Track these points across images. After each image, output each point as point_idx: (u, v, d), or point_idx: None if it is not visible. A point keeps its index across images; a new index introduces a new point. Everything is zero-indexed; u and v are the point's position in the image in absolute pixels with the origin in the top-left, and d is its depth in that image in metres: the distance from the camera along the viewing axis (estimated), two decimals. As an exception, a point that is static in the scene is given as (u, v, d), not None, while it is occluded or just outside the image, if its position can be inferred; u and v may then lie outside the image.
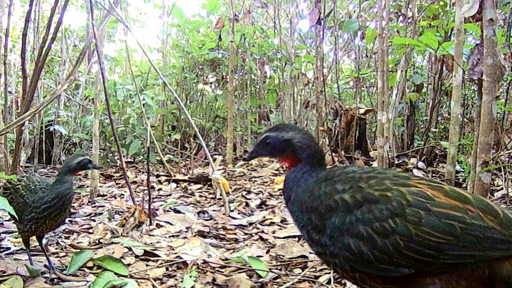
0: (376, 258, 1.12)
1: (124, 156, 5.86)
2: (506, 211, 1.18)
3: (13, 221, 2.18)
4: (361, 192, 1.18)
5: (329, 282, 1.88)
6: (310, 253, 2.18)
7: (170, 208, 3.45)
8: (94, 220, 3.05)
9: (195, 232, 2.70)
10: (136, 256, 2.24)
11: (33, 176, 2.10)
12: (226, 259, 2.25)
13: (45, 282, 1.90)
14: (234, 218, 3.23)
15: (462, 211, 1.11)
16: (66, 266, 2.06)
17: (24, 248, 2.12)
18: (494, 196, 3.44)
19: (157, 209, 3.29)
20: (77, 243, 2.49)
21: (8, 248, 2.35)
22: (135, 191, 3.84)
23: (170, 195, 4.15)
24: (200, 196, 4.09)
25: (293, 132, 1.36)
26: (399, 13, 5.45)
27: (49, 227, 2.00)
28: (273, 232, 2.78)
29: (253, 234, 2.76)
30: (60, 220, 2.01)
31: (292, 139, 1.34)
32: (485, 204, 1.16)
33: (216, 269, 2.09)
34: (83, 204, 3.68)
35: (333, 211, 1.19)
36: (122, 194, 4.09)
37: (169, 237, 2.64)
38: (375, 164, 4.42)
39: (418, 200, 1.13)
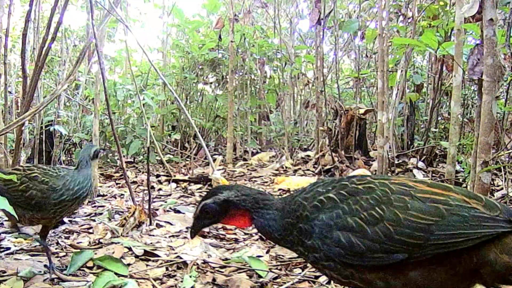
0: (368, 247, 1.13)
1: (124, 156, 5.86)
2: (493, 200, 1.23)
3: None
4: (345, 188, 1.22)
5: (329, 282, 1.88)
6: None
7: (170, 208, 3.45)
8: (94, 220, 3.05)
9: (195, 232, 2.70)
10: (136, 256, 2.23)
11: (40, 166, 2.17)
12: (226, 259, 2.25)
13: (45, 281, 1.90)
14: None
15: (444, 196, 1.16)
16: (66, 266, 2.06)
17: (25, 249, 2.12)
18: (494, 196, 3.44)
19: (157, 209, 3.29)
20: (77, 243, 2.49)
21: (8, 248, 2.35)
22: (135, 191, 3.84)
23: (170, 195, 4.14)
24: (200, 196, 4.09)
25: (227, 191, 1.36)
26: (399, 13, 5.45)
27: (70, 211, 2.16)
28: (273, 232, 2.78)
29: (253, 234, 2.76)
30: (80, 206, 2.22)
31: (229, 197, 1.34)
32: (467, 192, 1.22)
33: (216, 269, 2.09)
34: (83, 204, 3.68)
35: (320, 210, 1.21)
36: (122, 194, 4.09)
37: (169, 237, 2.64)
38: (375, 164, 4.42)
39: (401, 188, 1.18)
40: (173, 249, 2.38)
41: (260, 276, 1.99)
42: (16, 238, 2.55)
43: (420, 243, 1.11)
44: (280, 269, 2.09)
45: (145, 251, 2.28)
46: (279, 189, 4.31)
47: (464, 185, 3.73)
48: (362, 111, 5.42)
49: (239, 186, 1.40)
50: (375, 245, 1.12)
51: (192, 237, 1.45)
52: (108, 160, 6.38)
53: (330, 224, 1.17)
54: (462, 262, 1.14)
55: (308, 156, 6.15)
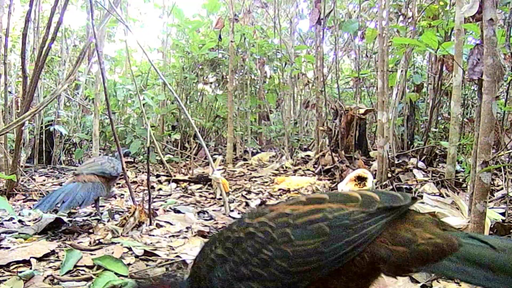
0: None
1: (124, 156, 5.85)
2: (366, 191, 1.23)
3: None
4: (228, 240, 1.23)
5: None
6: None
7: (170, 208, 3.45)
8: (94, 220, 3.05)
9: (195, 232, 2.70)
10: (136, 256, 2.23)
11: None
12: (226, 259, 2.24)
13: (45, 281, 1.90)
14: (234, 218, 3.23)
15: (321, 211, 1.16)
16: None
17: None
18: (494, 196, 3.44)
19: (157, 209, 3.29)
20: (78, 243, 2.49)
21: (8, 248, 2.35)
22: (135, 191, 3.84)
23: (170, 195, 4.15)
24: (200, 196, 4.09)
25: None
26: (399, 13, 5.45)
27: None
28: (273, 232, 2.77)
29: (253, 234, 2.76)
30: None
31: None
32: (343, 196, 1.22)
33: (216, 269, 2.09)
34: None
35: (214, 268, 1.22)
36: (122, 194, 4.09)
37: (169, 237, 2.64)
38: (375, 164, 4.42)
39: (280, 222, 1.18)
40: (173, 249, 2.38)
41: (260, 276, 1.99)
42: (16, 238, 2.55)
43: (315, 266, 1.12)
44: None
45: (145, 251, 2.28)
46: (279, 189, 4.32)
47: (464, 185, 3.73)
48: (362, 111, 5.41)
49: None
50: (276, 283, 1.14)
51: None
52: (108, 160, 6.37)
53: (228, 278, 1.19)
54: (356, 264, 1.14)
55: (308, 156, 6.15)
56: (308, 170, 5.32)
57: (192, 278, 1.33)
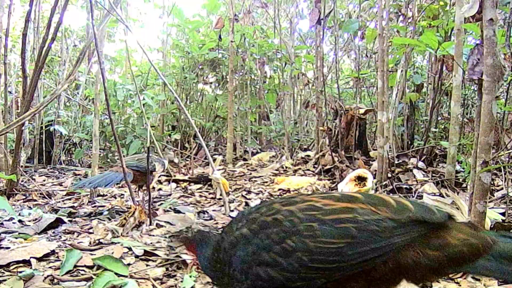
0: (287, 278, 1.14)
1: (124, 156, 5.85)
2: (400, 198, 1.23)
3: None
4: (255, 222, 1.23)
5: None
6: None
7: (170, 208, 3.45)
8: (94, 220, 3.05)
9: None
10: (136, 256, 2.23)
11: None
12: (226, 259, 2.24)
13: (45, 281, 1.90)
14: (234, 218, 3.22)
15: (352, 211, 1.15)
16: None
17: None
18: (494, 196, 3.44)
19: (157, 209, 3.29)
20: (78, 243, 2.49)
21: (8, 248, 2.35)
22: (135, 191, 3.83)
23: (170, 195, 4.15)
24: (200, 196, 4.09)
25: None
26: (399, 13, 5.45)
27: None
28: (273, 232, 2.77)
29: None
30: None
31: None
32: (375, 199, 1.21)
33: (216, 269, 2.09)
34: (83, 204, 3.68)
35: (236, 246, 1.23)
36: (122, 194, 4.09)
37: (169, 237, 2.64)
38: (375, 164, 4.41)
39: (309, 215, 1.17)
40: (173, 249, 2.38)
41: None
42: (16, 238, 2.55)
43: (336, 266, 1.11)
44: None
45: (145, 251, 2.28)
46: (279, 189, 4.31)
47: (464, 185, 3.73)
48: (362, 111, 5.41)
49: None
50: (293, 275, 1.14)
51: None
52: (108, 160, 6.38)
53: (248, 260, 1.20)
54: (378, 270, 1.14)
55: (308, 156, 6.15)
56: (308, 170, 5.32)
57: (214, 249, 1.34)
